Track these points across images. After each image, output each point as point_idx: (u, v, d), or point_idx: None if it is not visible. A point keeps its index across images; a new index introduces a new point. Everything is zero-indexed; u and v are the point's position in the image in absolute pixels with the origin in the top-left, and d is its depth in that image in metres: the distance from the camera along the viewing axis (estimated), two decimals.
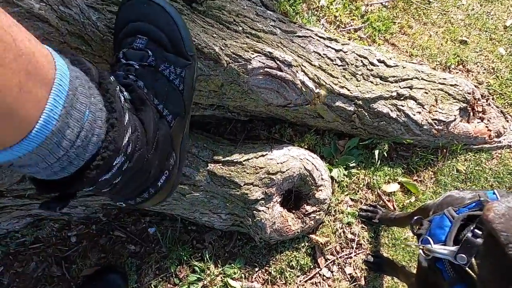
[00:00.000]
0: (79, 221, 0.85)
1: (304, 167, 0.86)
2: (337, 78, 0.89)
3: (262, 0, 0.84)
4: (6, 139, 0.26)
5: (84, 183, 0.33)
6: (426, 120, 0.99)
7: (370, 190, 1.02)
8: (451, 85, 1.04)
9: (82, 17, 0.49)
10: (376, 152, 1.00)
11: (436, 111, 1.01)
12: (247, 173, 0.80)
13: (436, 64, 1.21)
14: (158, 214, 0.89)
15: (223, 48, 0.67)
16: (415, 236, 0.64)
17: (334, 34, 1.16)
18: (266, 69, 0.73)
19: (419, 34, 1.24)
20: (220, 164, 0.79)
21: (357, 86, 0.91)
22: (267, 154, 0.84)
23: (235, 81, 0.71)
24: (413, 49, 1.22)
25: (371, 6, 1.25)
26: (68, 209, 0.80)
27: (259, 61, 0.72)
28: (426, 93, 1.01)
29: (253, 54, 0.71)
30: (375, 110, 0.93)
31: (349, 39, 1.18)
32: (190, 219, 0.88)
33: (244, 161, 0.80)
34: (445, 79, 1.05)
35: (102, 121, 0.33)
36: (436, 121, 1.00)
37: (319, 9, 1.17)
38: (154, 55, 0.45)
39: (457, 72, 1.22)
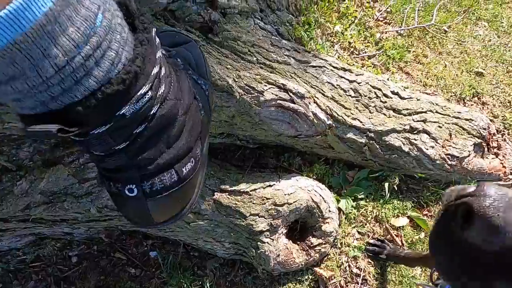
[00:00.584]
0: (81, 241, 0.84)
1: (312, 199, 0.84)
2: (350, 109, 0.87)
3: (277, 29, 0.84)
4: None
5: (100, 111, 0.25)
6: (439, 155, 0.97)
7: (378, 224, 0.99)
8: (466, 119, 1.02)
9: None
10: (386, 184, 0.98)
11: (450, 146, 0.98)
12: (254, 203, 0.79)
13: (451, 95, 1.19)
14: (161, 237, 0.88)
15: (236, 79, 0.66)
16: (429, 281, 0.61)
17: (347, 60, 1.15)
18: (278, 101, 0.72)
19: (434, 63, 1.22)
20: (227, 193, 0.77)
21: (369, 118, 0.90)
22: (274, 184, 0.82)
23: (247, 113, 0.70)
24: (428, 78, 1.20)
25: (386, 33, 1.24)
26: (70, 229, 0.79)
27: (272, 93, 0.71)
28: (440, 127, 0.98)
29: (266, 86, 0.71)
30: (387, 143, 0.91)
31: (362, 66, 1.17)
32: (192, 245, 0.86)
33: (251, 191, 0.79)
34: (460, 112, 1.03)
35: (125, 35, 0.26)
36: (449, 156, 0.97)
37: (333, 35, 1.17)
38: (183, 64, 0.44)
39: (472, 104, 1.20)
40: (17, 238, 0.76)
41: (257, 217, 0.79)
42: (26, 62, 0.20)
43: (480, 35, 1.32)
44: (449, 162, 0.98)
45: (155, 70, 0.29)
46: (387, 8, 1.27)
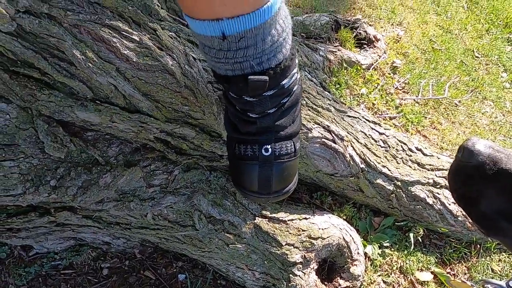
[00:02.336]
0: (116, 253, 0.85)
1: (343, 238, 0.88)
2: (380, 157, 0.96)
3: (321, 82, 0.99)
4: (252, 3, 0.31)
5: (277, 76, 0.39)
6: (461, 211, 1.02)
7: (403, 275, 1.00)
8: None
9: (198, 75, 0.60)
10: (411, 235, 1.01)
11: None
12: (290, 233, 0.82)
13: None
14: (191, 260, 0.89)
15: None
16: None
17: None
18: (323, 139, 0.82)
19: (448, 130, 1.36)
20: (267, 219, 0.82)
21: (397, 168, 0.98)
22: (310, 218, 0.87)
23: None
24: (443, 143, 1.32)
25: (404, 100, 1.40)
26: (111, 238, 0.82)
27: (318, 132, 0.81)
28: None
29: (314, 125, 0.81)
30: (413, 193, 0.98)
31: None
32: (222, 272, 0.87)
33: (288, 220, 0.83)
34: None
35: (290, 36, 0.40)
36: None
37: (359, 96, 1.33)
38: None
39: None
40: (61, 240, 0.78)
41: (292, 247, 0.81)
42: (259, 37, 0.35)
43: (487, 111, 1.48)
44: (470, 220, 1.03)
45: (297, 60, 0.44)
46: (405, 80, 1.46)
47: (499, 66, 1.69)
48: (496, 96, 1.54)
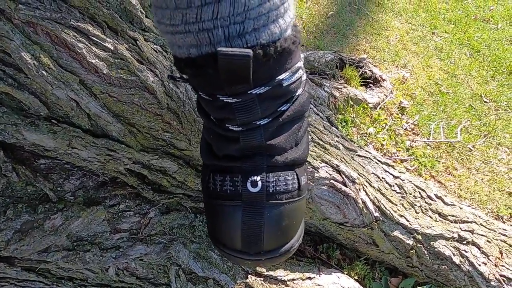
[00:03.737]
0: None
1: None
2: (396, 205, 0.83)
3: (328, 116, 0.89)
4: None
5: (271, 66, 0.24)
6: (494, 274, 0.86)
7: None
8: None
9: (185, 96, 0.50)
10: None
11: (502, 265, 0.88)
12: None
13: (487, 212, 1.15)
14: None
15: None
16: None
17: None
18: (331, 181, 0.69)
19: (465, 177, 1.23)
20: (262, 278, 0.66)
21: (416, 218, 0.84)
22: (314, 277, 0.70)
23: None
24: (461, 190, 1.19)
25: (415, 142, 1.30)
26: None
27: (326, 172, 0.69)
28: (489, 242, 0.91)
29: (321, 163, 0.69)
30: (436, 250, 0.82)
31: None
32: None
33: (289, 280, 0.67)
34: (505, 230, 0.96)
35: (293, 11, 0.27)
36: (504, 279, 0.86)
37: (367, 136, 1.23)
38: None
39: (511, 225, 1.14)
40: None
41: None
42: None
43: (503, 158, 1.37)
44: (505, 286, 0.86)
45: (303, 54, 0.30)
46: (414, 121, 1.37)
47: (509, 112, 1.62)
48: (511, 142, 1.45)
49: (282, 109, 0.28)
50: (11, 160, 0.43)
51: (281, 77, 0.26)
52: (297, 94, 0.29)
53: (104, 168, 0.50)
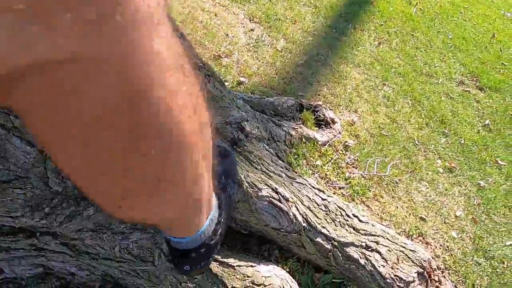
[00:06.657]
0: (77, 285, 0.94)
1: (283, 287, 1.01)
2: (320, 219, 1.16)
3: (276, 153, 1.23)
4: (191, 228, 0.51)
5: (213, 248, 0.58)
6: (389, 274, 1.18)
7: None
8: (410, 250, 1.29)
9: None
10: None
11: (397, 268, 1.21)
12: (236, 278, 0.95)
13: (401, 231, 1.50)
14: None
15: (246, 177, 0.98)
16: None
17: (323, 186, 1.51)
18: (270, 198, 1.02)
19: (388, 204, 1.59)
20: (217, 263, 0.95)
21: (335, 230, 1.17)
22: (255, 266, 1.01)
23: (247, 201, 0.98)
24: (383, 214, 1.53)
25: (353, 174, 1.66)
26: (76, 270, 0.92)
27: (267, 192, 1.02)
28: (390, 251, 1.24)
29: (264, 186, 1.02)
30: (347, 253, 1.15)
31: (334, 193, 1.52)
32: None
33: (236, 266, 0.97)
34: (405, 243, 1.31)
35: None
36: (397, 278, 1.19)
37: (314, 167, 1.57)
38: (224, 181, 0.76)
39: (418, 242, 1.49)
40: (31, 267, 0.89)
41: None
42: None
43: (423, 190, 1.75)
44: (398, 284, 1.18)
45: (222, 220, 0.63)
46: (355, 157, 1.74)
47: (435, 154, 2.03)
48: (431, 178, 1.83)
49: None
50: None
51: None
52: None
53: None
